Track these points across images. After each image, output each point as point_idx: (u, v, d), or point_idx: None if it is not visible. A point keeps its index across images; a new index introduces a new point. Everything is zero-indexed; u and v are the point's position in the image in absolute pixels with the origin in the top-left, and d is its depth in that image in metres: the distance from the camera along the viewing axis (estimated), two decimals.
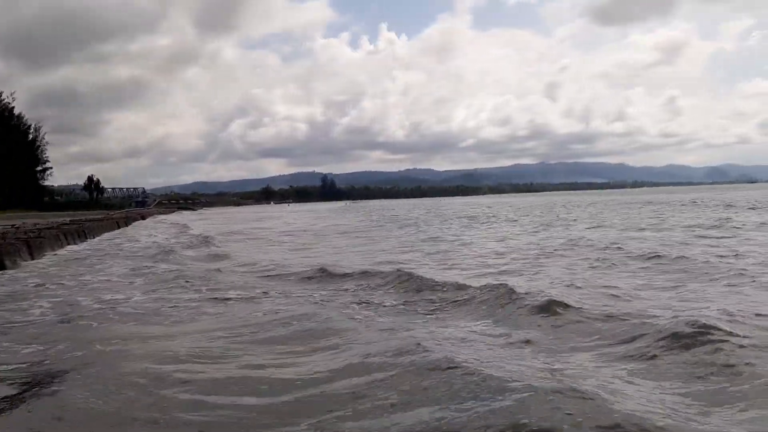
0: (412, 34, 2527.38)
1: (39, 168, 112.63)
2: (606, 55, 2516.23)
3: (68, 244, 23.08)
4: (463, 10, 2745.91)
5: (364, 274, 12.60)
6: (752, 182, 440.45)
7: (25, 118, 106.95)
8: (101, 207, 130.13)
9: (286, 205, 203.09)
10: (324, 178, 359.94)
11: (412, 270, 12.40)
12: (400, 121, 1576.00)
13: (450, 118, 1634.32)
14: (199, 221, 62.66)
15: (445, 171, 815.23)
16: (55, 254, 19.45)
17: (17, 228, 22.97)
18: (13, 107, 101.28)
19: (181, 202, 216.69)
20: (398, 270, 12.35)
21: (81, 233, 26.37)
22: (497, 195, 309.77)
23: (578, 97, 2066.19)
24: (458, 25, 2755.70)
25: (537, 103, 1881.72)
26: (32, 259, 16.66)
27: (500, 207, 71.65)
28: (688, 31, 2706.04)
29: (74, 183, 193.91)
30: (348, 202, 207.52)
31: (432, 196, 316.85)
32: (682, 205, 50.28)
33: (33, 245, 17.38)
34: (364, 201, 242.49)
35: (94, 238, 28.86)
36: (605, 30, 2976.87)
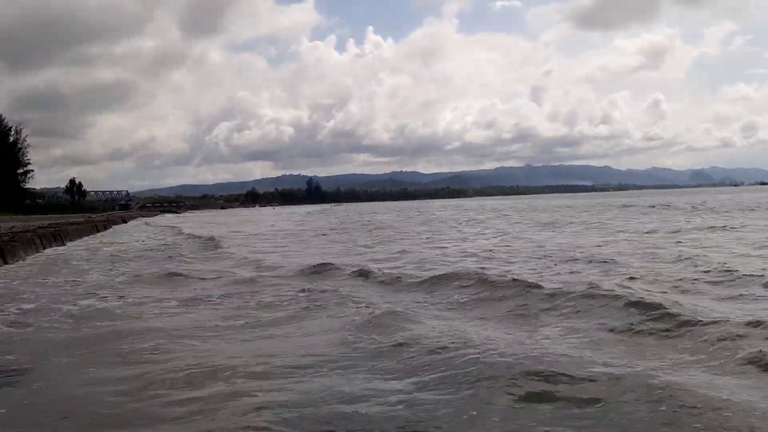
0: (399, 37, 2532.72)
1: (20, 171, 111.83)
2: (590, 60, 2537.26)
3: (44, 248, 22.87)
4: (450, 14, 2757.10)
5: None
6: (735, 185, 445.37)
7: (5, 121, 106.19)
8: (84, 210, 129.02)
9: (271, 207, 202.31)
10: (309, 181, 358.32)
11: None
12: (386, 124, 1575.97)
13: (436, 121, 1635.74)
14: (180, 224, 62.33)
15: (432, 174, 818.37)
16: (30, 259, 19.25)
17: None
18: None
19: (165, 205, 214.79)
20: None
21: (58, 237, 26.11)
22: (484, 198, 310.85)
23: (563, 100, 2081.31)
24: (444, 28, 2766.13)
25: (522, 107, 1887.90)
26: (5, 263, 16.47)
27: (484, 211, 71.95)
28: (672, 36, 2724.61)
29: (57, 186, 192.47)
30: (332, 205, 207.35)
31: (418, 199, 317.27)
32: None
33: (6, 249, 17.18)
34: (348, 204, 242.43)
35: (72, 241, 28.60)
36: (589, 34, 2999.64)
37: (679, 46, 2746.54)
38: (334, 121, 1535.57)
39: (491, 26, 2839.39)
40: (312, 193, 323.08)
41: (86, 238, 34.28)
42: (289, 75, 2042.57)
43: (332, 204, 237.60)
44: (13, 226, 29.66)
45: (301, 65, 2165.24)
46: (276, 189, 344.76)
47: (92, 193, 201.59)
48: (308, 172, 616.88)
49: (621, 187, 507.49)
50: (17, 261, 17.83)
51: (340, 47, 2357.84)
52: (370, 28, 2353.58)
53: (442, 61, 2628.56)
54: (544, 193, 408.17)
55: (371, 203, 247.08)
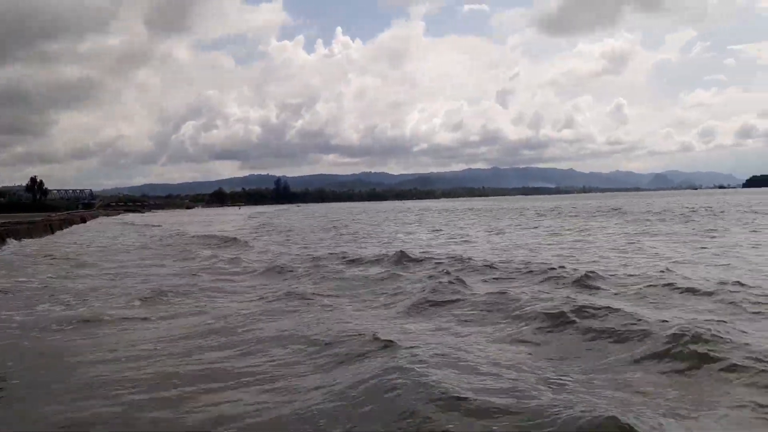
0: (367, 38, 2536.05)
1: None
2: (555, 64, 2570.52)
3: None
4: (417, 16, 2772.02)
5: None
6: (694, 188, 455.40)
7: None
8: (46, 209, 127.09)
9: (237, 208, 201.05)
10: (277, 180, 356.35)
11: None
12: (355, 124, 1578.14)
13: (404, 122, 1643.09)
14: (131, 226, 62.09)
15: (400, 175, 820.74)
16: None
17: None
18: None
19: (129, 204, 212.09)
20: None
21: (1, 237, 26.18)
22: (452, 199, 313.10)
23: (529, 104, 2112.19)
24: (412, 31, 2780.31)
25: (489, 109, 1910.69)
26: None
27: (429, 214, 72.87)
28: (633, 42, 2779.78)
29: (18, 184, 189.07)
30: (301, 205, 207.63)
31: (387, 200, 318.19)
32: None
33: None
34: (316, 204, 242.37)
35: (19, 241, 28.58)
36: (554, 39, 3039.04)
37: (640, 51, 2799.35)
38: (303, 121, 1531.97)
39: (458, 29, 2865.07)
40: (280, 193, 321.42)
41: (37, 239, 34.18)
42: (257, 74, 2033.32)
43: (301, 204, 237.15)
44: None
45: (270, 65, 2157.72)
46: (243, 189, 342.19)
47: (55, 191, 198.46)
48: (277, 172, 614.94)
49: (585, 190, 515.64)
50: None
51: (309, 47, 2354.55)
52: (339, 29, 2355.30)
53: (410, 63, 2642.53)
54: (510, 195, 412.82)
55: (339, 204, 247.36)
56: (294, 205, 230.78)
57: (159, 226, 54.63)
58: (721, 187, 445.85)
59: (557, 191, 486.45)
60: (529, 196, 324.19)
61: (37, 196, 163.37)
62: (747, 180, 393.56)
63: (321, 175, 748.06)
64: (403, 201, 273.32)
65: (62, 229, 45.85)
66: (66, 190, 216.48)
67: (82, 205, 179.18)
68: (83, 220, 67.80)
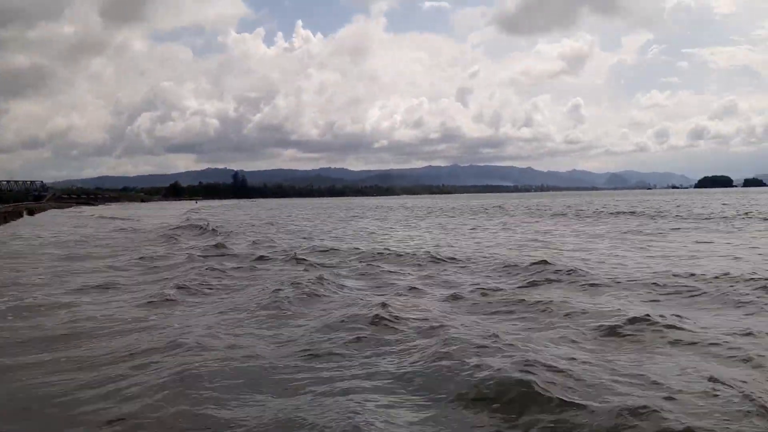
0: (328, 33, 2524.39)
1: None
2: (514, 63, 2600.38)
3: None
4: (378, 13, 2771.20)
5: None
6: (648, 188, 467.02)
7: None
8: None
9: (194, 202, 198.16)
10: (235, 175, 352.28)
11: None
12: (314, 119, 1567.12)
13: (364, 118, 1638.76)
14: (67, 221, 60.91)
15: (360, 171, 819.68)
16: None
17: None
18: None
19: (82, 197, 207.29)
20: None
21: None
22: (411, 196, 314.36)
23: (488, 102, 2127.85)
24: (373, 26, 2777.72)
25: (449, 107, 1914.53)
26: None
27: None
28: (591, 43, 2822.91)
29: None
30: (256, 200, 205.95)
31: (347, 196, 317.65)
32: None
33: None
34: (272, 199, 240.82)
35: None
36: (513, 39, 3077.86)
37: (597, 52, 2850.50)
38: (261, 115, 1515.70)
39: (419, 26, 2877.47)
40: (238, 187, 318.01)
41: None
42: (215, 67, 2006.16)
43: (253, 200, 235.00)
44: None
45: (228, 57, 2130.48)
46: (200, 183, 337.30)
47: (4, 182, 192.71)
48: (234, 166, 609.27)
49: (542, 188, 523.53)
50: None
51: (269, 40, 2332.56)
52: (299, 22, 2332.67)
53: (371, 59, 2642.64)
54: (469, 192, 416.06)
55: (297, 199, 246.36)
56: (250, 200, 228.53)
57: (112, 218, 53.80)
58: (674, 187, 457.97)
59: (516, 189, 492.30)
60: (486, 194, 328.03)
61: None
62: (698, 180, 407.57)
63: (280, 170, 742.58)
64: (362, 198, 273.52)
65: (6, 222, 44.69)
66: (16, 182, 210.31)
67: (32, 197, 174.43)
68: (30, 213, 66.17)
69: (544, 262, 14.90)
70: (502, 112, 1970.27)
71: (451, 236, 27.98)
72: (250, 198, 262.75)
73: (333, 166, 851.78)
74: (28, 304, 10.77)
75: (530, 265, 14.73)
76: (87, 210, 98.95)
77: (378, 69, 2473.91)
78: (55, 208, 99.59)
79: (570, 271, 13.42)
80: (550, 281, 12.58)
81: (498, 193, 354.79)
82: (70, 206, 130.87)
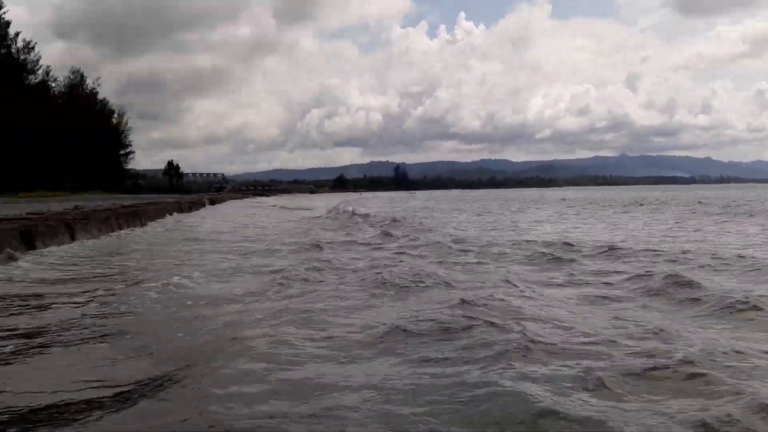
0: (490, 23, 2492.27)
1: (122, 152, 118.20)
2: (688, 47, 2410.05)
3: (120, 229, 23.86)
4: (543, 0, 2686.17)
5: None
6: None
7: (109, 104, 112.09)
8: (181, 191, 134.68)
9: (358, 194, 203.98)
10: (397, 167, 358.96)
11: None
12: (475, 111, 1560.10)
13: (525, 108, 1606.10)
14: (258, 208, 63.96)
15: (521, 162, 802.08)
16: (103, 238, 20.06)
17: (68, 211, 23.91)
18: (97, 92, 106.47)
19: (258, 188, 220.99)
20: None
21: (135, 217, 27.26)
22: (575, 188, 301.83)
23: (659, 88, 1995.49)
24: (537, 14, 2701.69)
25: (616, 94, 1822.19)
26: (72, 241, 17.32)
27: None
28: None
29: (157, 168, 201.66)
30: (410, 193, 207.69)
31: (507, 188, 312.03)
32: None
33: (75, 228, 18.09)
34: (433, 191, 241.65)
35: (152, 222, 29.81)
36: (688, 21, 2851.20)
37: None
38: (423, 108, 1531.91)
39: (584, 11, 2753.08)
40: (399, 179, 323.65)
41: (169, 218, 35.67)
42: (379, 62, 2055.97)
43: (411, 192, 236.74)
44: (98, 205, 31.23)
45: (392, 52, 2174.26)
46: (365, 175, 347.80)
47: (190, 175, 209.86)
48: (396, 159, 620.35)
49: (722, 180, 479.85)
50: (85, 239, 18.61)
51: (432, 33, 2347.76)
52: (462, 14, 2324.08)
53: (534, 47, 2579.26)
54: (639, 184, 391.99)
55: (457, 191, 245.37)
56: (408, 192, 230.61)
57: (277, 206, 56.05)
58: None
59: (692, 181, 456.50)
60: (660, 186, 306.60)
61: (173, 180, 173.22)
62: None
63: (440, 162, 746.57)
64: (523, 189, 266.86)
65: (191, 211, 47.80)
66: (200, 174, 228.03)
67: (214, 189, 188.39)
68: (212, 203, 70.79)
69: None
70: (676, 99, 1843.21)
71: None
72: (409, 190, 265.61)
73: (493, 157, 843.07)
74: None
75: None
76: (263, 200, 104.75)
77: (540, 57, 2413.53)
78: (234, 199, 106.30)
79: None
80: None
81: (675, 185, 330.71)
82: (247, 197, 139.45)
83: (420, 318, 7.57)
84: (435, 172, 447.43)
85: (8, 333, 7.14)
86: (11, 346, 6.53)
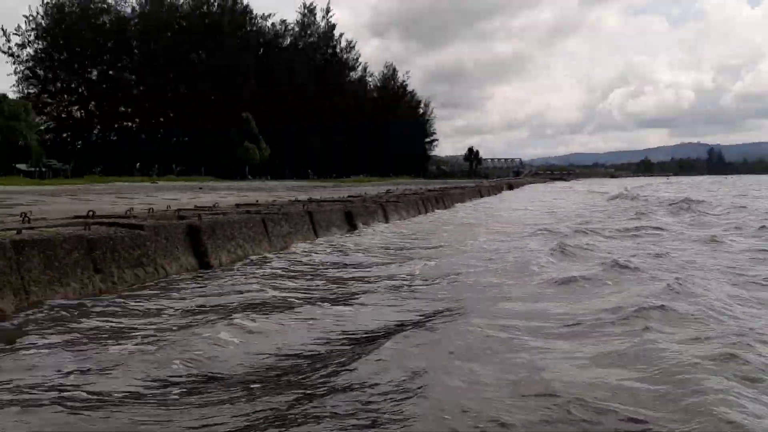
0: None
1: (427, 140, 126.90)
2: None
3: (427, 212, 25.28)
4: None
5: None
6: None
7: (416, 95, 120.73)
8: (479, 176, 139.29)
9: (665, 178, 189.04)
10: (710, 150, 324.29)
11: None
12: None
13: None
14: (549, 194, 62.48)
15: None
16: (404, 220, 21.37)
17: (382, 195, 26.05)
18: (407, 85, 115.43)
19: (555, 173, 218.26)
20: None
21: (439, 200, 28.69)
22: None
23: None
24: None
25: None
26: (386, 222, 18.78)
27: None
28: None
29: (459, 154, 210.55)
30: (730, 177, 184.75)
31: None
32: None
33: (387, 209, 19.65)
34: (761, 176, 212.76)
35: (455, 204, 31.18)
36: None
37: None
38: (742, 83, 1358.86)
39: None
40: (714, 163, 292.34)
41: (469, 202, 36.88)
42: (691, 35, 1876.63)
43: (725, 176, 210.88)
44: (407, 189, 33.61)
45: (707, 24, 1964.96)
46: (672, 158, 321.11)
47: (488, 160, 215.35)
48: (709, 140, 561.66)
49: None
50: (398, 221, 20.09)
51: (753, 1, 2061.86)
52: None
53: None
54: None
55: None
56: (723, 176, 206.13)
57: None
58: None
59: None
60: None
61: (473, 165, 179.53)
62: None
63: (764, 143, 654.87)
64: None
65: (490, 195, 48.82)
66: (498, 159, 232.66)
67: (512, 173, 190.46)
68: (510, 188, 71.44)
69: None
70: None
71: None
72: (725, 174, 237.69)
73: None
74: None
75: None
76: (563, 185, 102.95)
77: None
78: (531, 183, 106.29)
79: None
80: None
81: None
82: (545, 181, 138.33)
83: None
84: (756, 155, 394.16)
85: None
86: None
